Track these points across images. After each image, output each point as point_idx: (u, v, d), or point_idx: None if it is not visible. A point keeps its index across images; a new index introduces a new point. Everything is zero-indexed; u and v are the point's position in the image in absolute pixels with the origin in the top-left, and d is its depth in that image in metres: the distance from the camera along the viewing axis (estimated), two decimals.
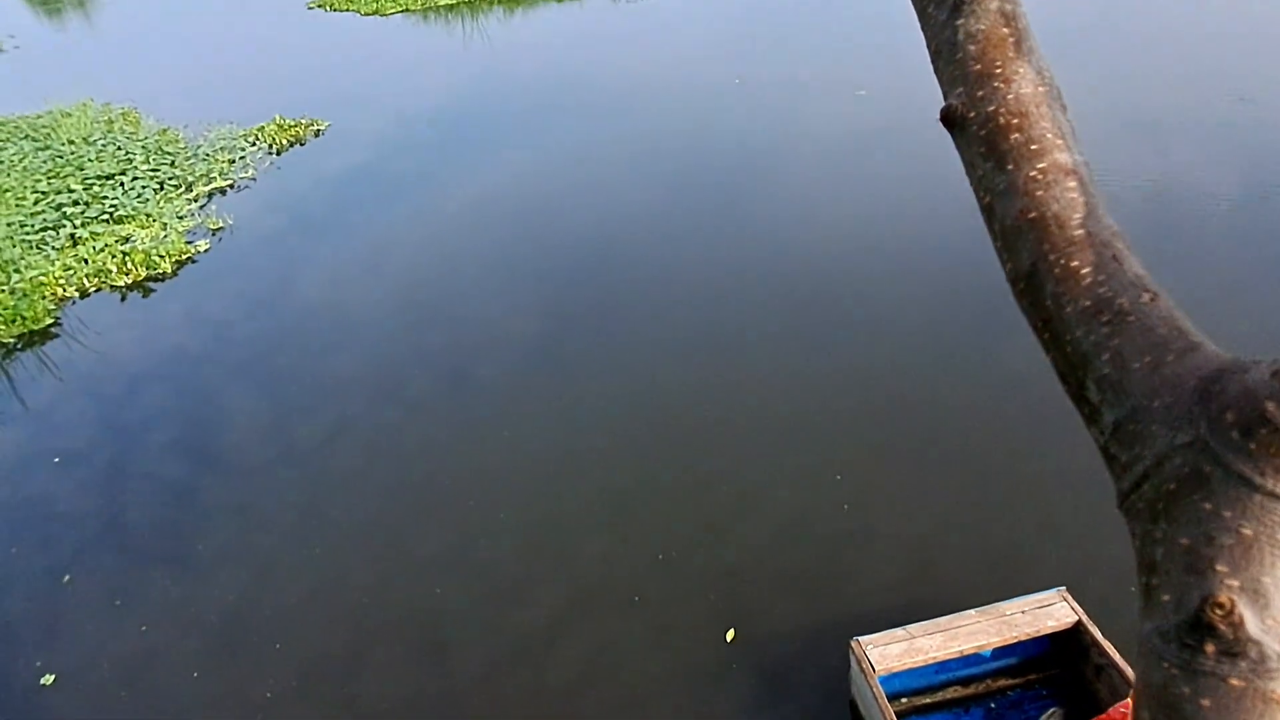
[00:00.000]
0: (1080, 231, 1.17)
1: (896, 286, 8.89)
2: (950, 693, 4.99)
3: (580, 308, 9.19)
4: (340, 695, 5.55)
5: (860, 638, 4.78)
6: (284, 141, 14.43)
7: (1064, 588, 4.95)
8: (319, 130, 14.88)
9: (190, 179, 13.15)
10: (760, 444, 7.10)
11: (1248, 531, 0.95)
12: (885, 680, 4.70)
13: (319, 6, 24.71)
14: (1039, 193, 1.20)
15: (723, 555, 6.16)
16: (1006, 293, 1.26)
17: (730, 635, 5.59)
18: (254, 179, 13.32)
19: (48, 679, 5.84)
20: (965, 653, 4.74)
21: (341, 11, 23.90)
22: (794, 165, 11.67)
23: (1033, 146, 1.23)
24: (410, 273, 10.29)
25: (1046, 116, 1.25)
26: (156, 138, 14.47)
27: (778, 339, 8.34)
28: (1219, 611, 0.94)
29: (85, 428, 8.42)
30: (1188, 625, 0.97)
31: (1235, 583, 0.95)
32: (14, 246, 11.33)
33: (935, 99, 1.36)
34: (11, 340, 9.99)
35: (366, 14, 23.28)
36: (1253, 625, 0.95)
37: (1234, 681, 0.96)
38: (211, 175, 13.28)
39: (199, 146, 14.21)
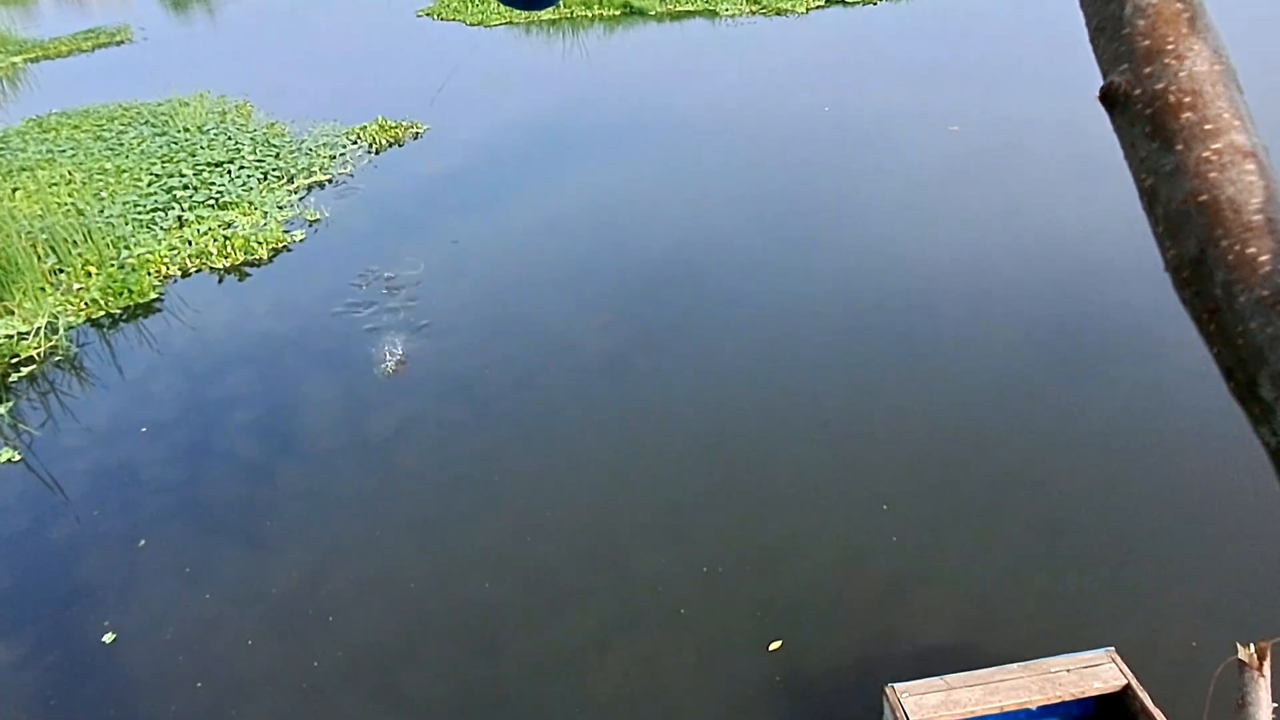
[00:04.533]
0: (1259, 217, 1.09)
1: (975, 323, 8.75)
2: None
3: (653, 325, 9.29)
4: (384, 680, 5.72)
5: (896, 685, 4.70)
6: (383, 142, 14.97)
7: (1113, 648, 4.79)
8: (418, 133, 15.39)
9: (292, 171, 13.76)
10: (821, 473, 7.07)
11: None
12: None
13: (427, 15, 25.56)
14: (1212, 174, 1.12)
15: (774, 581, 6.15)
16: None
17: (775, 646, 5.62)
18: (351, 175, 13.85)
19: (109, 637, 6.18)
20: (1006, 709, 4.63)
21: (448, 21, 24.67)
22: (876, 197, 11.58)
23: (1206, 126, 1.15)
24: (491, 277, 10.56)
25: (1223, 96, 1.16)
26: (264, 130, 15.18)
27: (850, 368, 8.30)
28: None
29: (175, 401, 8.87)
30: None
31: None
32: (126, 224, 12.02)
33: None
34: (117, 312, 10.60)
35: (472, 24, 23.99)
36: None
37: None
38: (312, 169, 13.87)
39: (303, 141, 14.85)
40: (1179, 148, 1.15)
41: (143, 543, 6.99)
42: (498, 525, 6.90)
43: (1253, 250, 1.07)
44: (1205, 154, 1.13)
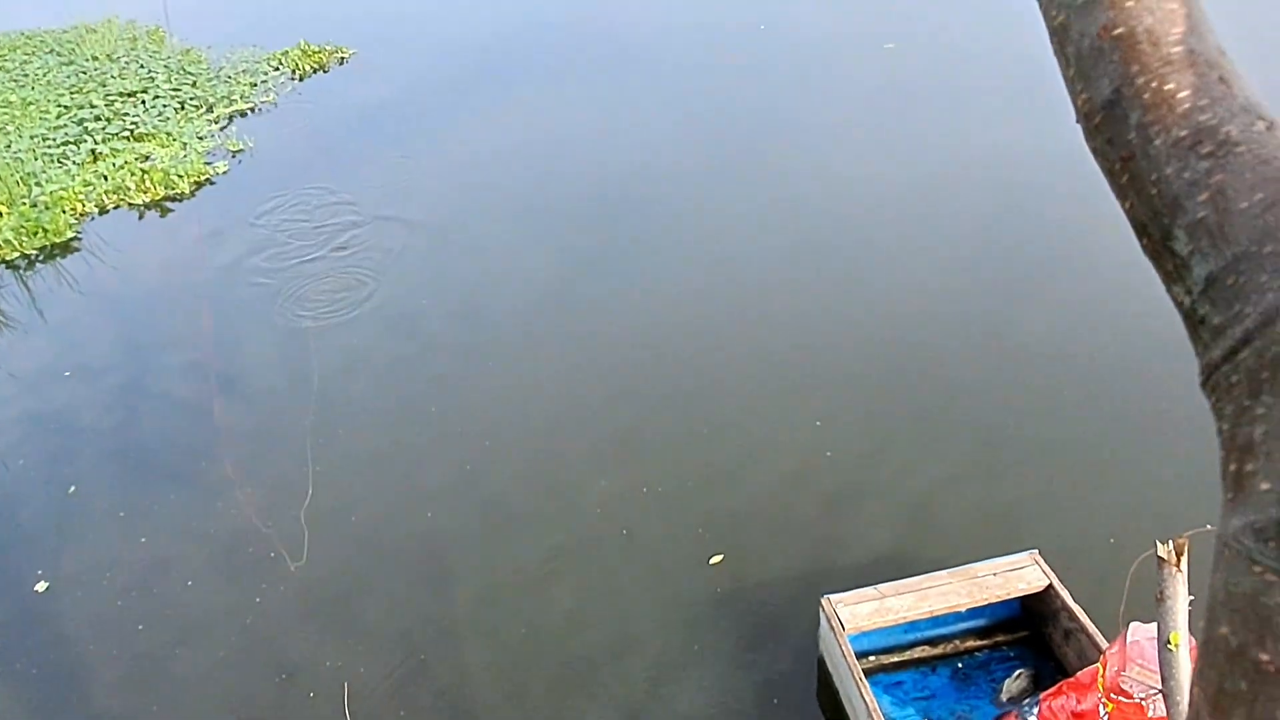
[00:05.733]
0: (1179, 49, 0.96)
1: (911, 241, 8.82)
2: (918, 652, 5.08)
3: (593, 252, 9.18)
4: (334, 614, 5.73)
5: (831, 595, 4.85)
6: (307, 68, 14.33)
7: (1036, 550, 4.99)
8: (343, 58, 14.75)
9: (211, 100, 13.14)
10: (761, 392, 7.16)
11: None
12: (854, 639, 4.77)
13: None
14: (1129, 4, 0.99)
15: (717, 500, 6.26)
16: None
17: (715, 560, 5.82)
18: (275, 103, 13.28)
19: (42, 586, 6.07)
20: (935, 613, 4.81)
21: None
22: (812, 118, 11.47)
23: None
24: (426, 205, 10.29)
25: None
26: (180, 57, 14.42)
27: (789, 289, 8.33)
28: None
29: (101, 344, 8.58)
30: None
31: None
32: (36, 159, 11.42)
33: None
34: (33, 252, 10.13)
35: None
36: None
37: None
38: (233, 98, 13.26)
39: (221, 69, 14.15)
40: None
41: (73, 489, 6.82)
42: (445, 456, 6.88)
43: (1171, 86, 0.96)
44: None
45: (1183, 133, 0.93)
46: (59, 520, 6.57)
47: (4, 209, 10.53)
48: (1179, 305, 0.95)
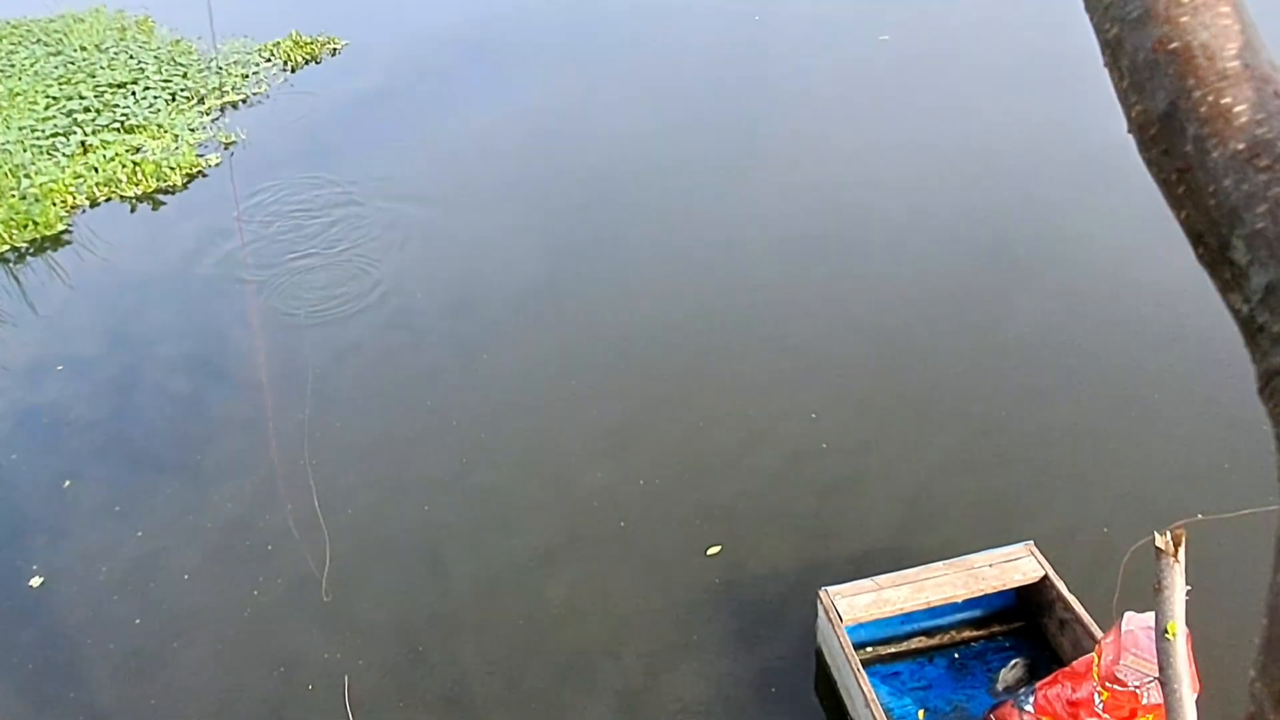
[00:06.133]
0: (1235, 64, 0.98)
1: (904, 232, 8.83)
2: (915, 643, 5.12)
3: (588, 241, 9.18)
4: (330, 606, 5.73)
5: (829, 588, 4.87)
6: (299, 58, 14.24)
7: (1032, 542, 5.02)
8: (335, 49, 14.66)
9: (203, 92, 13.05)
10: (755, 384, 7.17)
11: None
12: (852, 630, 4.80)
13: None
14: (1184, 19, 1.00)
15: (712, 492, 6.28)
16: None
17: (713, 551, 5.86)
18: (267, 95, 13.20)
19: (35, 581, 6.06)
20: (932, 604, 4.85)
21: None
22: (807, 109, 11.46)
23: None
24: (419, 197, 10.25)
25: None
26: (170, 48, 14.30)
27: (783, 280, 8.34)
28: None
29: (93, 338, 8.53)
30: None
31: None
32: (24, 151, 11.33)
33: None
34: (23, 245, 10.07)
35: None
36: None
37: None
38: (224, 89, 13.17)
39: (212, 59, 14.05)
40: None
41: (67, 484, 6.80)
42: (440, 449, 6.88)
43: (1228, 100, 0.97)
44: None
45: (1240, 146, 0.96)
46: (53, 515, 6.55)
47: None
48: (1235, 313, 0.97)
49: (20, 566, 6.17)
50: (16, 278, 9.60)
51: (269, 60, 14.20)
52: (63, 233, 10.20)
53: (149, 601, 5.87)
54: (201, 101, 12.85)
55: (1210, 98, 0.98)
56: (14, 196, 10.48)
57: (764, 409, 6.94)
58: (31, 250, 10.00)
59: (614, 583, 5.77)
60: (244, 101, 13.02)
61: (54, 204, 10.45)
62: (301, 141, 11.81)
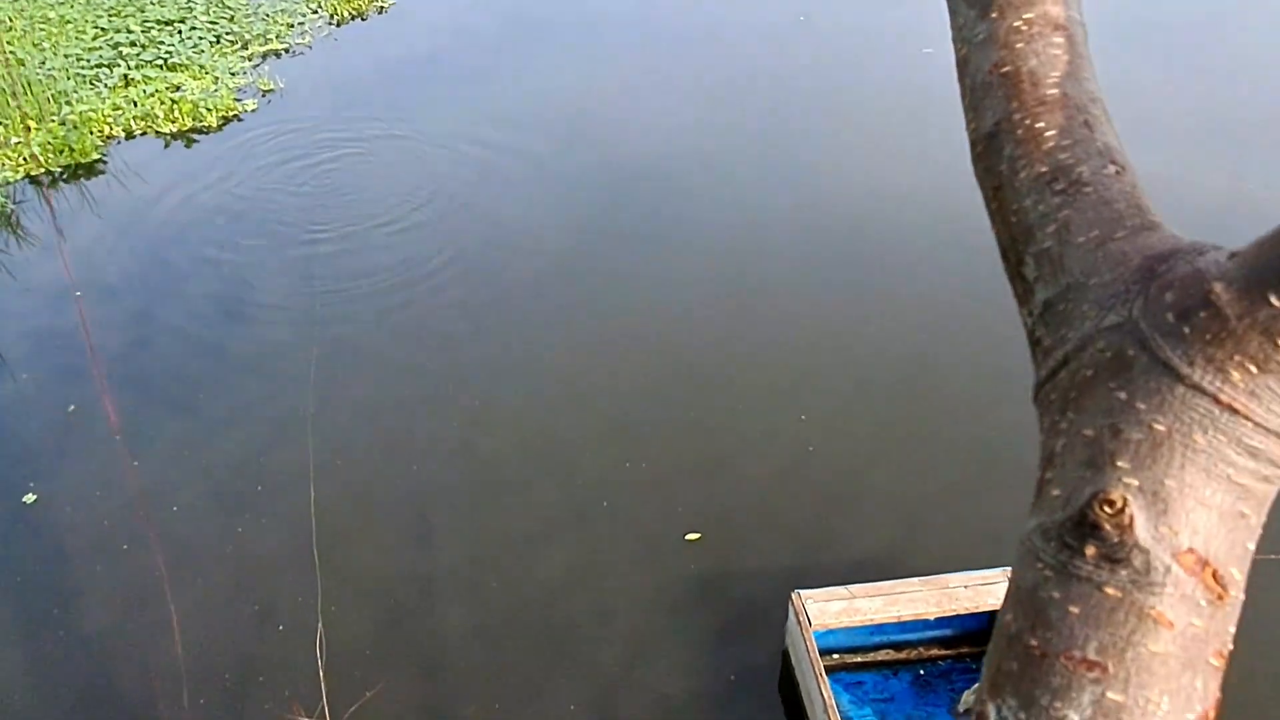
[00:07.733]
0: (1054, 91, 1.03)
1: (928, 250, 8.79)
2: (882, 655, 5.13)
3: (614, 230, 9.15)
4: (320, 559, 5.81)
5: (802, 591, 4.90)
6: (345, 13, 14.29)
7: (1010, 568, 5.01)
8: (383, 6, 14.70)
9: (247, 37, 13.13)
10: (763, 388, 7.17)
11: (1160, 427, 0.84)
12: (820, 635, 4.82)
13: None
14: (1019, 45, 1.06)
15: (707, 487, 6.32)
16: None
17: (693, 537, 5.92)
18: (310, 46, 13.27)
19: (29, 498, 6.19)
20: (903, 619, 4.87)
21: None
22: (844, 118, 11.41)
23: None
24: (450, 164, 10.30)
25: None
26: None
27: (803, 287, 8.31)
28: (1107, 510, 0.84)
29: (115, 266, 8.66)
30: (1071, 523, 0.87)
31: (1134, 481, 0.85)
32: (68, 78, 11.47)
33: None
34: (57, 170, 10.21)
35: None
36: (1143, 530, 0.84)
37: (1109, 590, 0.84)
38: (268, 36, 13.25)
39: (259, 5, 14.14)
40: (994, 15, 1.10)
41: (72, 408, 6.92)
42: (446, 413, 6.93)
43: (1041, 125, 1.02)
44: (1016, 23, 1.08)
45: (1043, 169, 1.00)
46: (55, 436, 6.67)
47: (34, 124, 10.60)
48: (1025, 326, 1.02)
49: (15, 481, 6.29)
50: (48, 201, 9.74)
51: (315, 12, 14.26)
52: (96, 161, 10.33)
53: (137, 528, 5.98)
54: (245, 46, 12.94)
55: (1027, 121, 1.02)
56: (54, 121, 10.63)
57: (767, 413, 6.93)
58: (65, 176, 10.14)
59: (602, 563, 5.83)
60: (286, 51, 13.09)
61: (91, 133, 10.59)
62: (339, 96, 11.87)
